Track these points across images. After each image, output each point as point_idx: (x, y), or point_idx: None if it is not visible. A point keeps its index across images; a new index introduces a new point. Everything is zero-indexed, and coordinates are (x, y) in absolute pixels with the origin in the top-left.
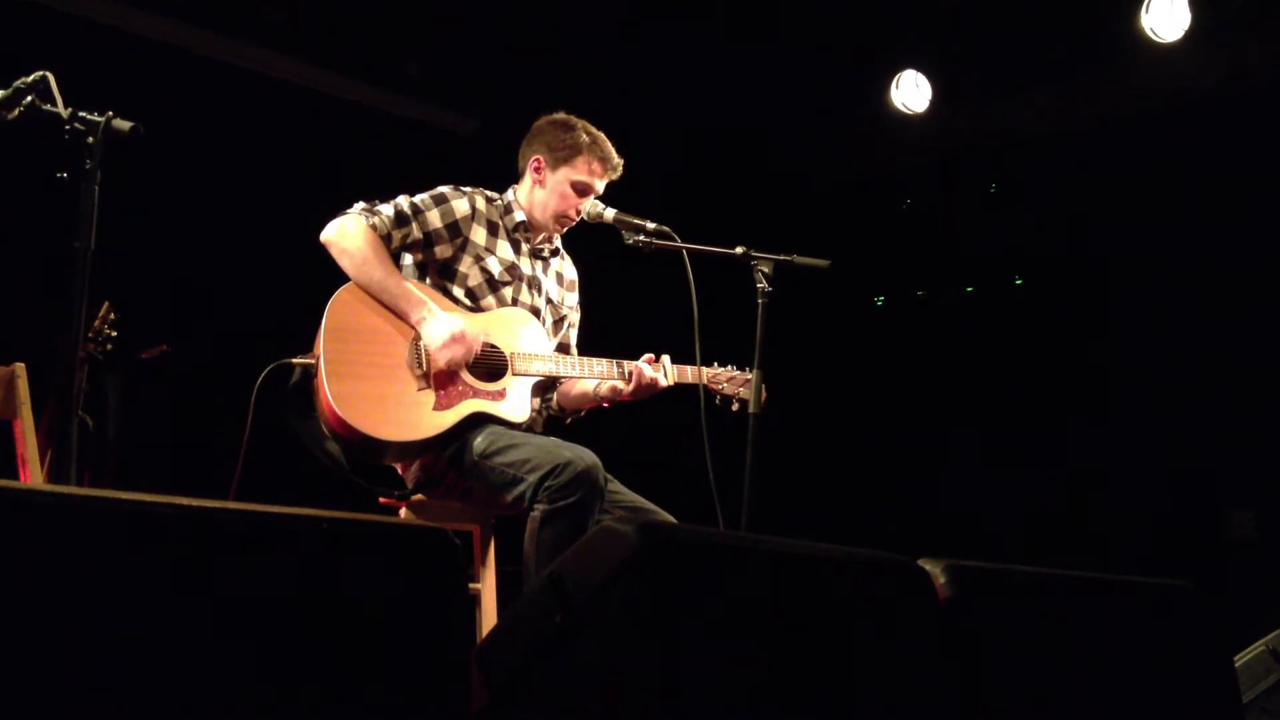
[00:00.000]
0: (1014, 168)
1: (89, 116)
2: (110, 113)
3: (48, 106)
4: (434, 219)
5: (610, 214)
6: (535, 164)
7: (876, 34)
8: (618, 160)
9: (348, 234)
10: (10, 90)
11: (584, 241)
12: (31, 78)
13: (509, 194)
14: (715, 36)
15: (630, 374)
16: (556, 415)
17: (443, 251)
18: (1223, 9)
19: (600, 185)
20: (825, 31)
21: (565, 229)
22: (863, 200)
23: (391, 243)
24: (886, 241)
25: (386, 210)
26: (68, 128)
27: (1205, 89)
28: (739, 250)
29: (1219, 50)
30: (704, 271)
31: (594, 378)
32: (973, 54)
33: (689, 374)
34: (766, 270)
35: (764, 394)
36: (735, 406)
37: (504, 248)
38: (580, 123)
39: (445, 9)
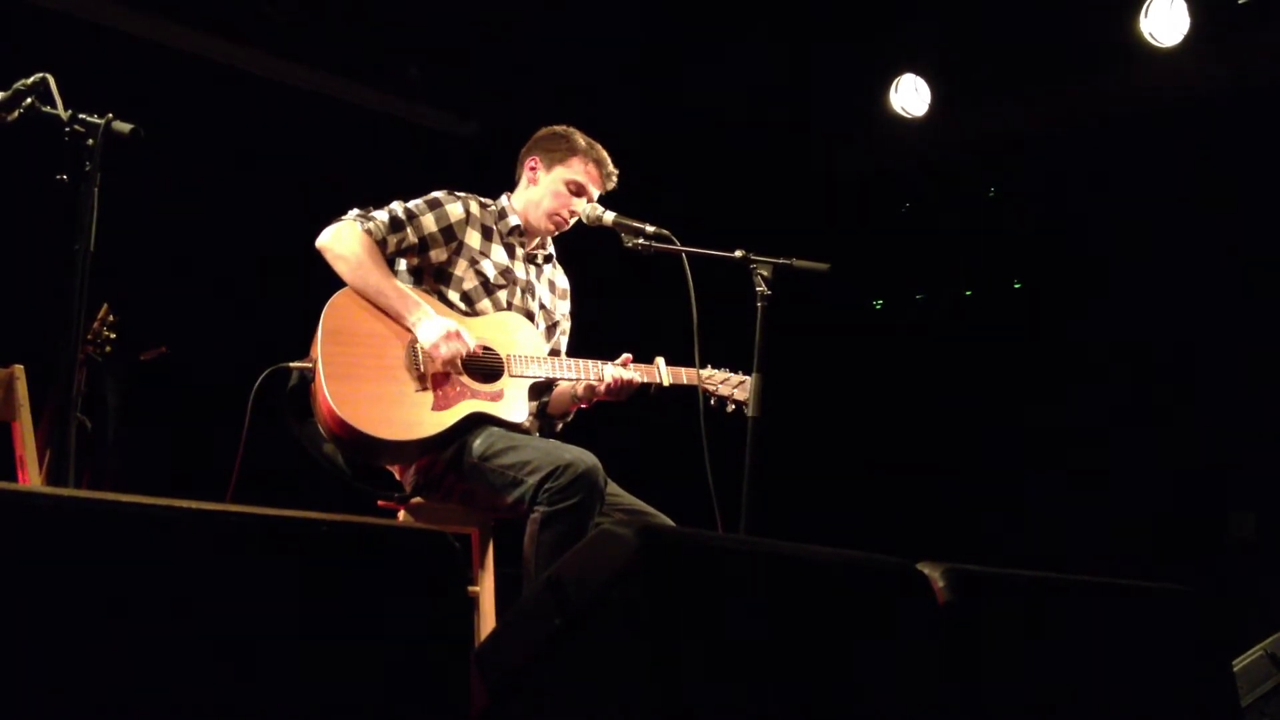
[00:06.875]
0: (1012, 171)
1: (89, 118)
2: (110, 115)
3: (48, 108)
4: (428, 223)
5: (610, 217)
6: (531, 164)
7: (876, 38)
8: (613, 169)
9: (343, 239)
10: (10, 92)
11: (584, 245)
12: (31, 79)
13: (503, 200)
14: (715, 40)
15: (601, 377)
16: (548, 420)
17: (438, 256)
18: (1222, 13)
19: (594, 189)
20: (824, 35)
21: (559, 230)
22: (862, 203)
23: (387, 248)
24: (886, 245)
25: (381, 216)
26: (67, 130)
27: (1204, 93)
28: (738, 253)
29: (1218, 55)
30: (703, 275)
31: (592, 380)
32: (972, 58)
33: (684, 375)
34: (766, 274)
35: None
36: (730, 408)
37: (498, 252)
38: (577, 131)
39: (445, 11)
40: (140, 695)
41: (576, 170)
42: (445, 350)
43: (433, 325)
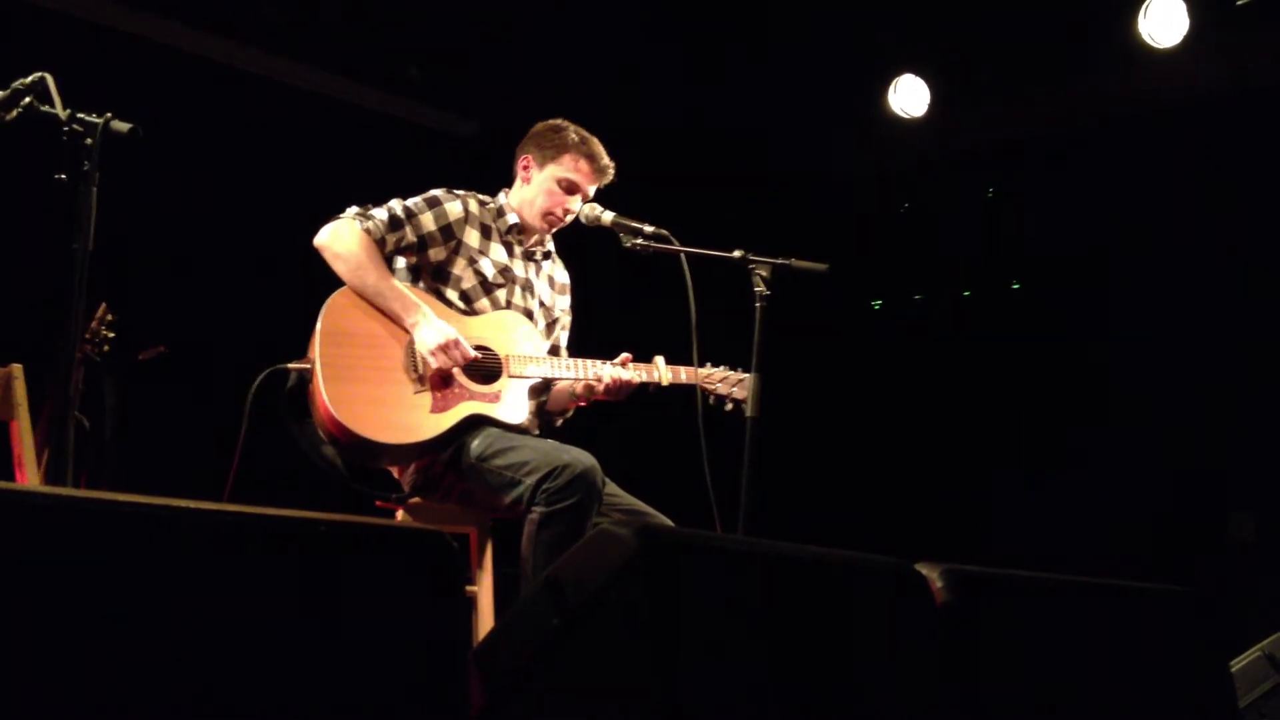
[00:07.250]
0: (1011, 172)
1: (87, 118)
2: (109, 114)
3: (46, 108)
4: (427, 222)
5: (608, 217)
6: (524, 163)
7: (875, 38)
8: (607, 162)
9: (342, 238)
10: (9, 91)
11: (583, 244)
12: (30, 79)
13: (501, 197)
14: (716, 39)
15: (600, 377)
16: (546, 417)
17: (436, 254)
18: (1221, 14)
19: (588, 186)
20: (824, 35)
21: (554, 228)
22: (861, 204)
23: (386, 246)
24: (884, 245)
25: (380, 214)
26: (66, 129)
27: (1204, 93)
28: (737, 254)
29: (1217, 55)
30: (703, 275)
31: (590, 380)
32: (971, 58)
33: (683, 374)
34: (765, 274)
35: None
36: (729, 406)
37: (497, 250)
38: (572, 125)
39: (445, 11)
40: (140, 695)
41: (568, 167)
42: (442, 361)
43: (431, 332)
